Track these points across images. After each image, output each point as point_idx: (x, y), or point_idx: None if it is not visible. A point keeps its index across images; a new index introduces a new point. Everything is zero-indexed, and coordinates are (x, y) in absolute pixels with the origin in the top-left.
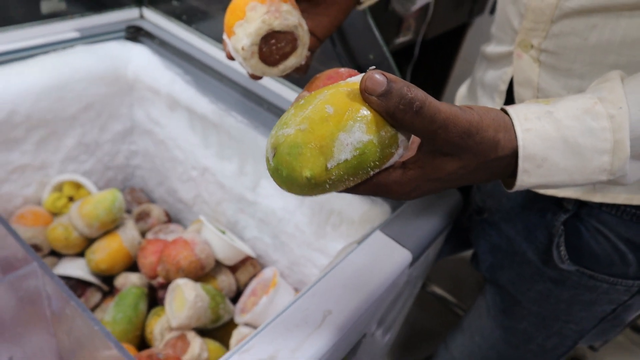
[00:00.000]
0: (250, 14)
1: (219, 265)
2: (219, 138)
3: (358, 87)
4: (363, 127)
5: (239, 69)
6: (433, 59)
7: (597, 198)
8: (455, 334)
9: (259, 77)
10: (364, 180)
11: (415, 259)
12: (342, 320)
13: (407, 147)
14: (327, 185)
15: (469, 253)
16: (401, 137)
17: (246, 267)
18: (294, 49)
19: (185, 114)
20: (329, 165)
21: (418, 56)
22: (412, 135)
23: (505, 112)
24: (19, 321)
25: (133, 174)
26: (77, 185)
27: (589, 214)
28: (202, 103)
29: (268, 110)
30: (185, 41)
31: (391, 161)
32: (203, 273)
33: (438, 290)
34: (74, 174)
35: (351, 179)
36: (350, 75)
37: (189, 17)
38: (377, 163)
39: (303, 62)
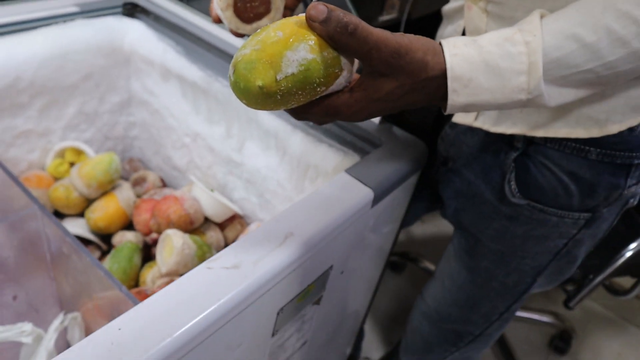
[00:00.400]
0: None
1: (208, 222)
2: (208, 103)
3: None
4: (307, 47)
5: (225, 38)
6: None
7: (540, 133)
8: (429, 283)
9: (240, 35)
10: (316, 101)
11: (377, 198)
12: (302, 241)
13: (351, 71)
14: (278, 97)
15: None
16: (344, 60)
17: (234, 224)
18: (267, 11)
19: (177, 83)
20: (278, 77)
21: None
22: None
23: (440, 44)
24: (21, 263)
25: (132, 145)
26: (78, 152)
27: (535, 151)
28: (192, 71)
29: None
30: (178, 16)
31: (337, 83)
32: (192, 227)
33: (430, 265)
34: (75, 141)
35: (299, 92)
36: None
37: None
38: (322, 80)
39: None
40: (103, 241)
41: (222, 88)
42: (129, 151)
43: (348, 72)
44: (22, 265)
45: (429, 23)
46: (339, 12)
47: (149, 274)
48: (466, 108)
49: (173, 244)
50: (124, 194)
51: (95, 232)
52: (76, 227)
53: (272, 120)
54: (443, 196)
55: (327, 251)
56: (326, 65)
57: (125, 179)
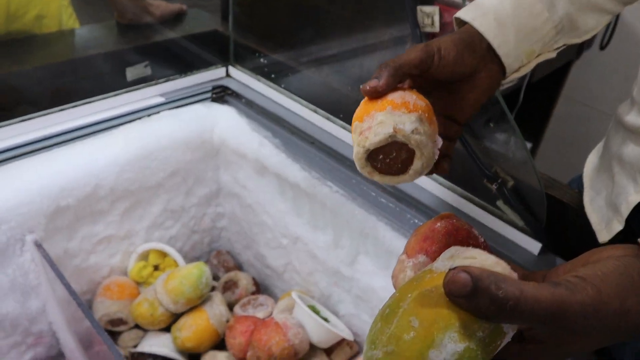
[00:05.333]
0: (356, 125)
1: (312, 348)
2: (312, 207)
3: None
4: (454, 336)
5: (331, 132)
6: (535, 100)
7: None
8: None
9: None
10: None
11: None
12: None
13: (516, 328)
14: None
15: None
16: (506, 325)
17: (342, 348)
18: (410, 152)
19: (274, 180)
20: None
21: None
22: None
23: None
24: None
25: (219, 235)
26: (163, 254)
27: None
28: (293, 170)
29: (367, 180)
30: (273, 100)
31: (502, 346)
32: (296, 359)
33: None
34: (158, 243)
35: None
36: (449, 233)
37: (277, 74)
38: None
39: (436, 156)
40: (191, 359)
41: (330, 194)
42: (217, 242)
43: (514, 330)
44: None
45: (547, 81)
46: (488, 283)
47: None
48: None
49: None
50: (215, 309)
51: (183, 351)
52: (161, 346)
53: (395, 239)
54: (616, 356)
55: None
56: (484, 345)
57: (213, 275)
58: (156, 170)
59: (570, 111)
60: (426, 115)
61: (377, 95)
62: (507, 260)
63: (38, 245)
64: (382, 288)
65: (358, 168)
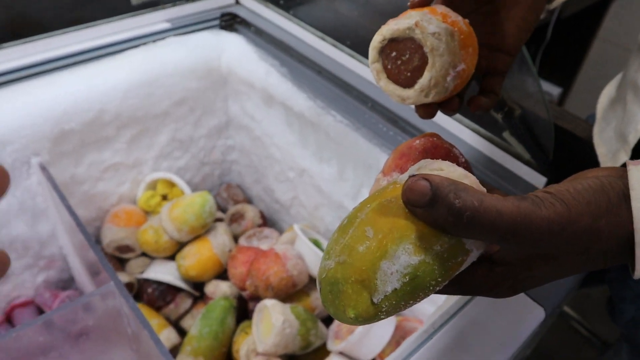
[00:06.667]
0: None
1: (312, 280)
2: (317, 138)
3: None
4: (409, 248)
5: (338, 60)
6: (567, 39)
7: None
8: None
9: (427, 114)
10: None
11: (548, 318)
12: None
13: (481, 246)
14: (382, 315)
15: None
16: (469, 241)
17: None
18: (423, 61)
19: (281, 110)
20: (375, 300)
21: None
22: None
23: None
24: (101, 338)
25: (230, 169)
26: (171, 183)
27: None
28: (299, 99)
29: (372, 109)
30: (282, 29)
31: (467, 262)
32: (294, 290)
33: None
34: (166, 173)
35: (410, 302)
36: (426, 151)
37: (287, 1)
38: (440, 280)
39: (449, 78)
40: (195, 287)
41: (334, 123)
42: (228, 175)
43: (478, 248)
44: (103, 340)
45: (579, 19)
46: (446, 191)
47: (244, 345)
48: None
49: (272, 321)
50: (219, 239)
51: (187, 279)
52: (166, 273)
53: None
54: (614, 293)
55: None
56: (442, 260)
57: (222, 208)
58: (162, 98)
59: (607, 54)
60: (461, 36)
61: (421, 4)
62: (506, 193)
63: (43, 168)
64: None
65: (369, 62)
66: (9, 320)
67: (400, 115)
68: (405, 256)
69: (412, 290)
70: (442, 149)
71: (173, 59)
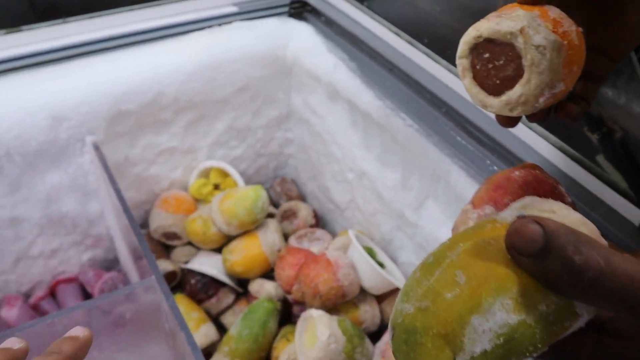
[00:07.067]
0: (491, 14)
1: (363, 292)
2: (383, 141)
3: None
4: (508, 304)
5: (412, 58)
6: None
7: None
8: None
9: (508, 124)
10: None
11: None
12: None
13: (593, 312)
14: None
15: None
16: (582, 304)
17: (395, 297)
18: (518, 73)
19: (346, 107)
20: None
21: None
22: None
23: None
24: (138, 329)
25: (286, 163)
26: (224, 173)
27: None
28: (366, 97)
29: (446, 115)
30: (355, 20)
31: (574, 327)
32: (343, 301)
33: None
34: (221, 162)
35: None
36: (527, 185)
37: None
38: (540, 346)
39: (542, 99)
40: (240, 284)
41: (403, 127)
42: (283, 169)
43: (590, 314)
44: (140, 332)
45: None
46: (563, 242)
47: (284, 354)
48: None
49: (317, 335)
50: (269, 237)
51: (231, 275)
52: (211, 266)
53: (469, 187)
54: None
55: None
56: (546, 324)
57: (274, 202)
58: (223, 84)
59: None
60: (569, 52)
61: (533, 1)
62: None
63: (96, 148)
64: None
65: (457, 55)
66: (52, 294)
67: (478, 125)
68: (503, 313)
69: (505, 355)
70: (546, 185)
71: (238, 45)
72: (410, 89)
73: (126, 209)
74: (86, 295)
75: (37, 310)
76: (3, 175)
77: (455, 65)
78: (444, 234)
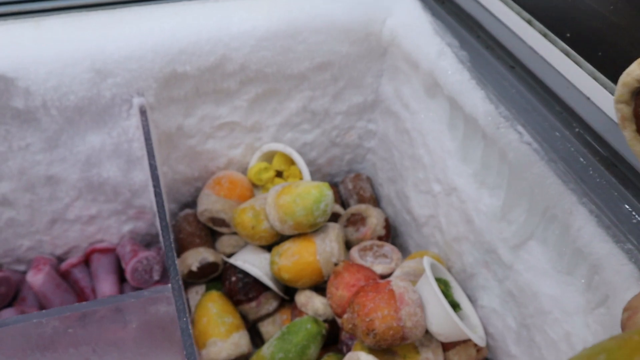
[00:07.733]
0: None
1: (428, 334)
2: (486, 155)
3: None
4: None
5: (545, 56)
6: None
7: None
8: None
9: None
10: None
11: None
12: None
13: None
14: None
15: None
16: None
17: (467, 348)
18: None
19: (446, 106)
20: None
21: None
22: None
23: None
24: (148, 342)
25: (364, 157)
26: (290, 160)
27: None
28: (474, 98)
29: (579, 138)
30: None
31: None
32: (402, 344)
33: None
34: (287, 147)
35: None
36: None
37: None
38: None
39: None
40: (285, 291)
41: (518, 143)
42: (359, 164)
43: None
44: (151, 345)
45: None
46: None
47: None
48: None
49: None
50: (327, 245)
51: (277, 280)
52: (256, 265)
53: (599, 242)
54: None
55: None
56: None
57: (343, 200)
58: (301, 57)
59: None
60: None
61: None
62: None
63: (143, 112)
64: (550, 298)
65: (614, 99)
66: (87, 262)
67: (624, 156)
68: None
69: None
70: None
71: (325, 12)
72: (536, 95)
73: (158, 192)
74: (121, 270)
75: (67, 277)
76: (40, 129)
77: (605, 74)
78: (546, 289)
